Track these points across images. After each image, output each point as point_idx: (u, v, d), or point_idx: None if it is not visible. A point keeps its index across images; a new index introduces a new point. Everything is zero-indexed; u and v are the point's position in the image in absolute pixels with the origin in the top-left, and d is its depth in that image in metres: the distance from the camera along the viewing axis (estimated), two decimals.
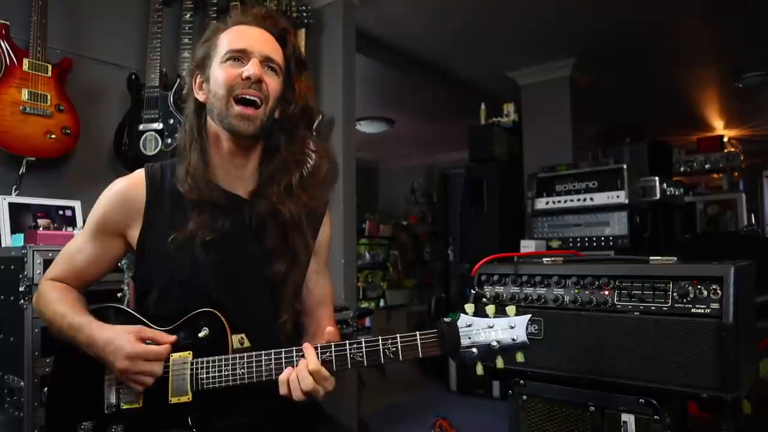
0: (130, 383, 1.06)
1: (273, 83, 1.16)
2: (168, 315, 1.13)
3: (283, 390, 1.02)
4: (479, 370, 1.01)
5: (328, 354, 1.03)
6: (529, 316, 1.02)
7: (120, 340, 1.05)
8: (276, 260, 1.17)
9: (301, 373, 1.01)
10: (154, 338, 1.07)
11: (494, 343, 1.00)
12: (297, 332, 1.28)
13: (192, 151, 1.17)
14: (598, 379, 1.34)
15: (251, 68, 1.12)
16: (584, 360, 1.36)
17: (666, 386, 1.24)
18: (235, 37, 1.16)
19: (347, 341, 1.03)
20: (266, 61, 1.15)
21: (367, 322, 6.14)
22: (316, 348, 1.03)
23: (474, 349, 1.00)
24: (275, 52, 1.18)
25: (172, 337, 1.08)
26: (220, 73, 1.14)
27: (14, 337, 1.69)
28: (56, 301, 1.16)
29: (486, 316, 1.02)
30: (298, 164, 1.22)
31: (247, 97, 1.12)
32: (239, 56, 1.14)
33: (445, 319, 1.02)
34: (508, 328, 1.00)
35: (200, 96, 1.18)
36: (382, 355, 1.01)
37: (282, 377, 1.03)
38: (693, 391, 1.21)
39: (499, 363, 1.01)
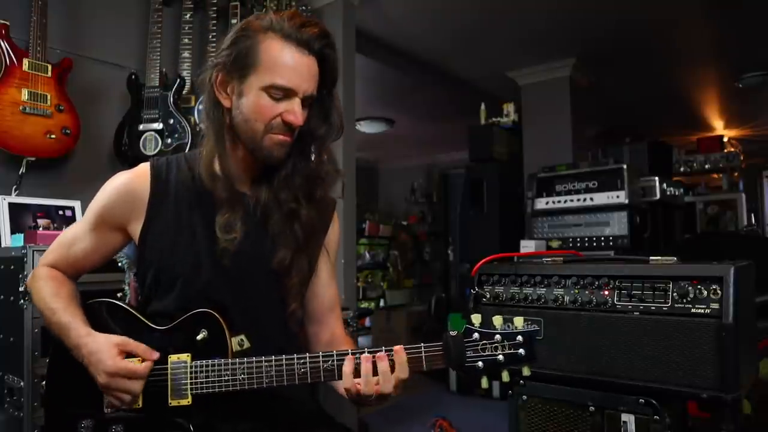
0: (109, 398, 1.06)
1: (305, 116, 1.12)
2: (167, 313, 1.12)
3: (349, 383, 0.98)
4: (484, 383, 0.99)
5: (330, 362, 1.01)
6: (537, 328, 1.00)
7: (102, 353, 1.03)
8: (280, 248, 1.15)
9: (385, 376, 0.97)
10: (138, 353, 1.05)
11: (500, 357, 0.98)
12: (304, 332, 1.27)
13: (219, 148, 1.13)
14: (598, 379, 1.34)
15: (296, 115, 1.07)
16: (584, 360, 1.36)
17: (666, 386, 1.24)
18: (285, 66, 1.06)
19: (350, 350, 1.02)
20: (306, 99, 1.10)
21: (367, 322, 6.14)
22: (362, 352, 1.01)
23: (480, 363, 0.98)
24: (316, 83, 1.11)
25: (156, 354, 1.06)
26: (258, 101, 1.07)
27: (14, 337, 1.69)
28: (50, 295, 1.15)
29: (493, 327, 1.00)
30: (309, 176, 1.18)
31: (282, 138, 1.10)
32: (284, 94, 1.07)
33: (451, 332, 0.99)
34: (515, 342, 0.98)
35: (224, 101, 1.11)
36: None
37: (348, 370, 0.99)
38: (693, 391, 1.21)
39: (505, 377, 1.00)
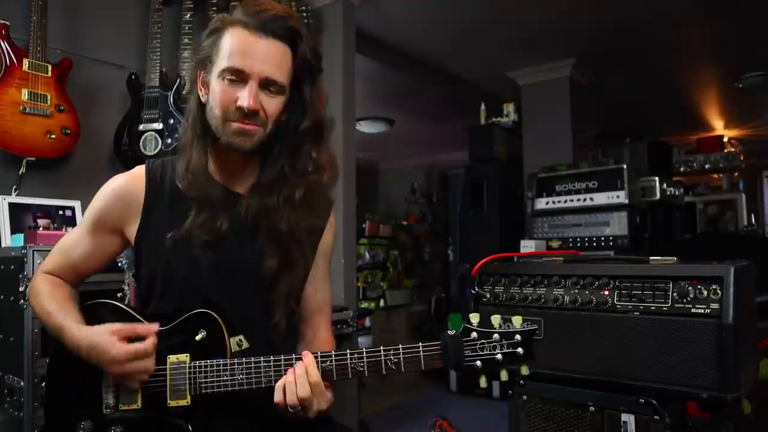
0: (126, 384, 1.05)
1: (272, 105, 1.09)
2: (166, 314, 1.12)
3: (278, 396, 1.00)
4: (483, 382, 0.99)
5: (328, 363, 1.02)
6: (535, 327, 1.00)
7: (103, 344, 1.03)
8: (267, 257, 1.14)
9: (300, 379, 0.99)
10: (137, 332, 1.04)
11: (499, 356, 0.98)
12: (292, 334, 1.25)
13: (194, 147, 1.14)
14: (598, 379, 1.34)
15: (246, 98, 1.05)
16: (584, 360, 1.36)
17: (666, 386, 1.24)
18: (235, 50, 1.06)
19: (348, 350, 1.02)
20: (266, 83, 1.07)
21: (367, 322, 6.15)
22: (316, 356, 1.02)
23: (478, 362, 0.98)
24: (279, 68, 1.08)
25: (155, 327, 1.05)
26: (216, 88, 1.08)
27: (14, 337, 1.69)
28: (46, 298, 1.15)
29: (491, 326, 1.00)
30: (301, 179, 1.16)
31: (242, 126, 1.08)
32: (237, 77, 1.06)
33: (449, 332, 0.99)
34: (513, 341, 0.98)
35: (202, 96, 1.14)
36: (383, 366, 1.01)
37: (279, 383, 1.01)
38: (693, 391, 1.21)
39: (504, 376, 1.00)
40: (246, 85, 1.07)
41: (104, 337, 1.03)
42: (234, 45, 1.07)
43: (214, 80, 1.09)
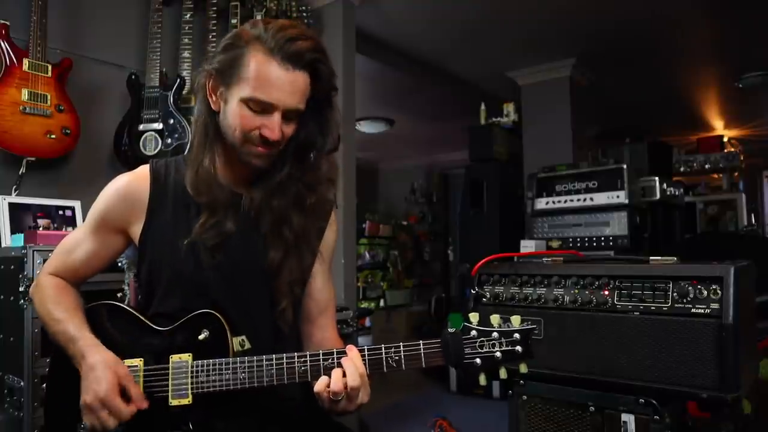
0: (83, 416, 1.03)
1: (289, 129, 1.10)
2: (168, 314, 1.13)
3: (320, 386, 1.00)
4: (482, 380, 1.01)
5: (330, 361, 1.02)
6: (534, 327, 1.02)
7: (102, 374, 1.01)
8: (271, 249, 1.15)
9: (350, 369, 0.99)
10: (132, 396, 1.03)
11: (498, 354, 0.99)
12: (297, 330, 1.26)
13: (203, 152, 1.13)
14: (598, 379, 1.34)
15: (273, 130, 1.06)
16: (584, 360, 1.36)
17: (666, 386, 1.24)
18: (263, 81, 1.04)
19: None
20: (289, 113, 1.08)
21: (367, 322, 6.15)
22: (362, 350, 1.03)
23: (477, 360, 1.00)
24: (302, 97, 1.09)
25: (145, 405, 1.04)
26: (237, 111, 1.07)
27: (14, 337, 1.69)
28: (53, 302, 1.15)
29: (490, 325, 1.02)
30: (310, 189, 1.17)
31: (260, 150, 1.09)
32: (263, 108, 1.06)
33: (450, 330, 1.01)
34: (512, 339, 1.00)
35: (213, 104, 1.13)
36: (384, 364, 1.02)
37: (322, 379, 1.01)
38: (693, 391, 1.21)
39: (503, 374, 1.01)
40: (270, 116, 1.07)
41: (107, 372, 1.02)
42: (261, 75, 1.04)
43: (235, 101, 1.07)
